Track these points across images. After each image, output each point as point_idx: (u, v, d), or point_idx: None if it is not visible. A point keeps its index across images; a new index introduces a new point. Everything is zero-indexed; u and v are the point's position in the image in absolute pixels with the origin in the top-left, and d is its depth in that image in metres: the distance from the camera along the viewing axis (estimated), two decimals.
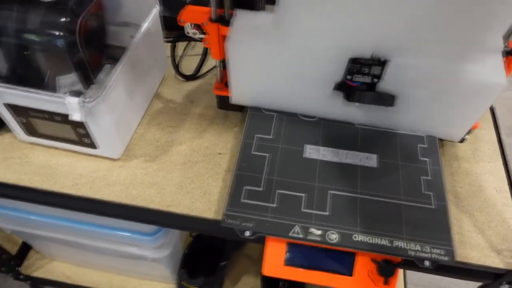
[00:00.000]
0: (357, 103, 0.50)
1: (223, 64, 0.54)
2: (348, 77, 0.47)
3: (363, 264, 0.45)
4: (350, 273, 0.45)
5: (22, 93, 0.45)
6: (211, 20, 0.47)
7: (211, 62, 0.66)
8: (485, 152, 0.55)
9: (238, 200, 0.46)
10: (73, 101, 0.43)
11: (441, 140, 0.53)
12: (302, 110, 0.54)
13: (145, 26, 0.53)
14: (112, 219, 0.53)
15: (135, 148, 0.56)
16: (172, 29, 0.64)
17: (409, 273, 1.00)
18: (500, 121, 0.59)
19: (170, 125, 0.59)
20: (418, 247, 0.42)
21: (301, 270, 0.45)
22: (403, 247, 0.43)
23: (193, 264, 0.84)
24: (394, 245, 0.43)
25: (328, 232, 0.44)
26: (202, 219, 0.49)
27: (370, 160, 0.50)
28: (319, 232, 0.44)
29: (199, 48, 0.71)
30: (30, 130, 0.53)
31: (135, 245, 0.67)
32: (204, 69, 0.66)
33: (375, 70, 0.46)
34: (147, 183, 0.52)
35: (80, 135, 0.50)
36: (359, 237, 0.43)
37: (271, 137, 0.52)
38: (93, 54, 0.49)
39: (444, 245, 0.43)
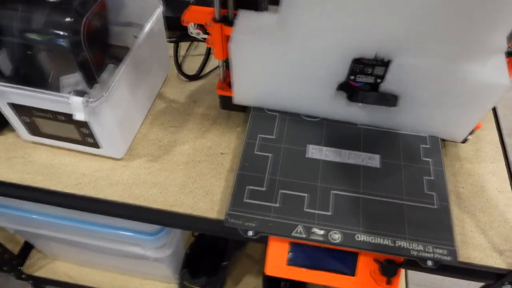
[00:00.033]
0: (360, 104, 0.50)
1: (226, 64, 0.54)
2: (351, 77, 0.47)
3: (365, 264, 0.45)
4: (352, 273, 0.45)
5: (26, 93, 0.46)
6: (214, 20, 0.47)
7: (214, 62, 0.66)
8: (487, 153, 0.55)
9: (241, 200, 0.46)
10: (77, 100, 0.43)
11: (443, 140, 0.53)
12: (305, 110, 0.54)
13: (148, 26, 0.53)
14: (114, 218, 0.53)
15: (138, 148, 0.56)
16: (175, 29, 0.64)
17: (411, 273, 1.00)
18: (502, 122, 0.60)
19: (173, 125, 0.59)
20: (420, 247, 0.42)
21: (303, 270, 0.46)
22: (405, 247, 0.43)
23: (195, 264, 0.84)
24: (396, 245, 0.43)
25: (331, 232, 0.44)
26: (204, 219, 0.49)
27: (373, 160, 0.50)
28: (321, 232, 0.44)
29: (201, 48, 0.71)
30: (33, 130, 0.53)
31: (137, 244, 0.68)
32: (207, 69, 0.66)
33: (379, 70, 0.46)
34: (150, 183, 0.52)
35: (84, 134, 0.51)
36: (361, 237, 0.43)
37: (273, 137, 0.52)
38: (96, 54, 0.50)
39: (447, 245, 0.43)
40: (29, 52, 0.47)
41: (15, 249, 0.94)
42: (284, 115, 0.55)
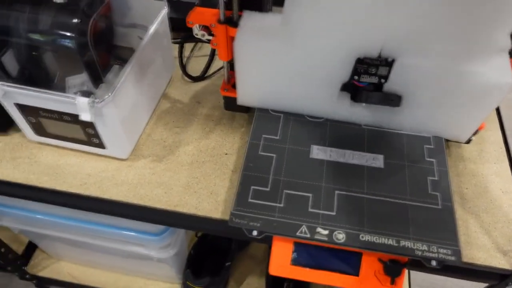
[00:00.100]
0: (363, 104, 0.50)
1: (231, 65, 0.54)
2: (355, 77, 0.47)
3: (369, 264, 0.45)
4: (356, 273, 0.45)
5: (33, 94, 0.46)
6: (219, 21, 0.47)
7: (218, 63, 0.67)
8: (491, 153, 0.56)
9: (245, 200, 0.47)
10: (83, 101, 0.43)
11: (447, 141, 0.53)
12: (308, 111, 0.55)
13: (153, 27, 0.54)
14: (118, 218, 0.53)
15: (142, 148, 0.56)
16: (180, 31, 0.64)
17: (413, 274, 1.00)
18: (506, 123, 0.60)
19: (177, 126, 0.59)
20: (425, 247, 0.43)
21: (307, 269, 0.46)
22: (409, 247, 0.43)
23: (199, 264, 0.84)
24: (400, 245, 0.43)
25: (335, 232, 0.44)
26: (209, 219, 0.49)
27: (377, 160, 0.50)
28: (326, 232, 0.44)
29: (205, 49, 0.71)
30: (39, 130, 0.53)
31: (141, 245, 0.68)
32: (211, 70, 0.66)
33: (382, 70, 0.46)
34: (154, 183, 0.52)
35: (89, 135, 0.51)
36: (366, 237, 0.43)
37: (277, 137, 0.53)
38: (102, 55, 0.50)
39: (451, 245, 0.43)
40: (35, 53, 0.48)
41: (19, 249, 0.94)
42: (288, 115, 0.55)
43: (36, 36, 0.42)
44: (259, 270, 0.91)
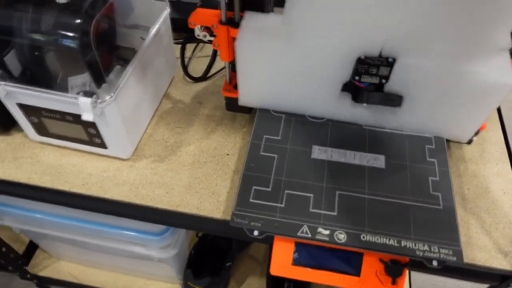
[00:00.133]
0: (364, 104, 0.50)
1: (232, 66, 0.55)
2: (356, 78, 0.47)
3: (370, 264, 0.45)
4: (357, 273, 0.45)
5: (35, 94, 0.46)
6: (221, 22, 0.48)
7: (219, 63, 0.67)
8: (492, 154, 0.56)
9: (246, 200, 0.47)
10: (86, 101, 0.44)
11: (448, 141, 0.54)
12: (310, 112, 0.55)
13: (155, 28, 0.54)
14: (119, 218, 0.53)
15: (144, 148, 0.56)
16: (181, 31, 0.64)
17: (414, 275, 1.00)
18: (507, 123, 0.60)
19: (179, 126, 0.59)
20: (426, 247, 0.43)
21: (308, 270, 0.46)
22: (411, 247, 0.43)
23: (199, 265, 0.84)
24: (402, 245, 0.43)
25: (336, 232, 0.44)
26: (210, 219, 0.49)
27: (378, 161, 0.50)
28: (327, 232, 0.44)
29: (207, 49, 0.71)
30: (41, 130, 0.53)
31: (142, 244, 0.68)
32: (212, 70, 0.67)
33: (383, 70, 0.46)
34: (156, 183, 0.52)
35: (91, 135, 0.51)
36: (367, 237, 0.43)
37: (279, 138, 0.53)
38: (104, 55, 0.50)
39: (452, 246, 0.43)
40: (38, 53, 0.48)
41: (20, 249, 0.94)
42: (290, 116, 0.55)
43: (38, 36, 0.42)
44: (260, 270, 0.91)
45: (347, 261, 0.45)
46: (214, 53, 0.65)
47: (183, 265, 0.84)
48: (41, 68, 0.50)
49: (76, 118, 0.48)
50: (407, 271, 0.47)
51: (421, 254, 0.42)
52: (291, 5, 0.43)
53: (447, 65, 0.44)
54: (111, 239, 0.68)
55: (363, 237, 0.44)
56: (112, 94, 0.46)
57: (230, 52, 0.50)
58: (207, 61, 0.65)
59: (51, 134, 0.54)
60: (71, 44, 0.41)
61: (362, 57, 0.45)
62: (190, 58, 0.70)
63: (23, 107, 0.50)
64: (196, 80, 0.66)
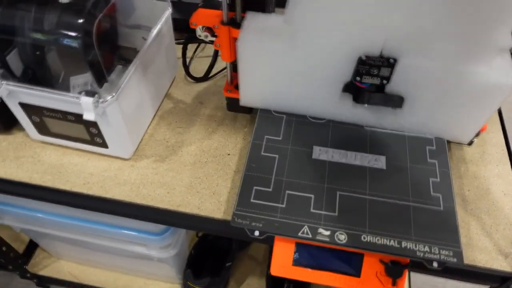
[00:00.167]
0: (365, 105, 0.51)
1: (233, 66, 0.55)
2: (357, 78, 0.47)
3: (371, 265, 0.45)
4: (358, 274, 0.45)
5: (37, 93, 0.46)
6: (222, 23, 0.48)
7: (220, 64, 0.67)
8: (493, 155, 0.56)
9: (247, 200, 0.47)
10: (88, 101, 0.44)
11: (449, 142, 0.54)
12: (311, 112, 0.55)
13: (157, 28, 0.54)
14: (120, 218, 0.53)
15: (145, 148, 0.56)
16: (183, 31, 0.64)
17: (413, 277, 1.00)
18: (508, 125, 0.60)
19: (180, 126, 0.59)
20: (426, 249, 0.43)
21: (309, 270, 0.46)
22: (411, 248, 0.43)
23: (199, 265, 0.84)
24: (402, 246, 0.43)
25: (337, 233, 0.44)
26: (211, 219, 0.49)
27: (379, 161, 0.50)
28: (327, 233, 0.44)
29: (208, 50, 0.71)
30: (43, 129, 0.53)
31: (142, 244, 0.68)
32: (213, 71, 0.67)
33: (384, 71, 0.46)
34: (157, 183, 0.53)
35: (92, 134, 0.51)
36: (367, 238, 0.44)
37: (280, 138, 0.53)
38: (106, 55, 0.50)
39: (452, 247, 0.43)
40: (40, 53, 0.48)
41: (20, 248, 0.95)
42: (291, 116, 0.55)
43: (41, 36, 0.42)
44: (260, 270, 0.92)
45: (348, 261, 0.45)
46: (216, 54, 0.65)
47: (183, 265, 0.84)
48: (43, 67, 0.50)
49: (77, 118, 0.49)
50: (407, 272, 0.47)
51: (422, 255, 0.42)
52: (293, 5, 0.43)
53: (448, 65, 0.44)
54: (112, 239, 0.68)
55: (364, 237, 0.44)
56: (113, 94, 0.46)
57: (232, 52, 0.51)
58: (208, 61, 0.65)
59: (52, 134, 0.54)
60: (74, 43, 0.41)
61: (363, 57, 0.45)
62: (191, 58, 0.70)
63: (25, 107, 0.50)
64: (198, 80, 0.66)
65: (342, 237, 0.44)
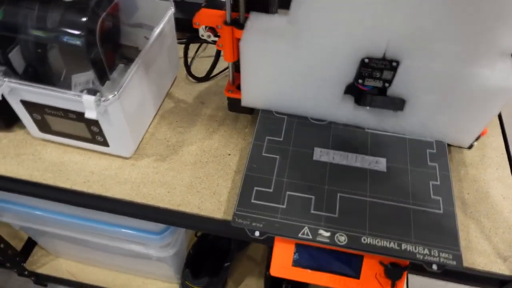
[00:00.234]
0: (367, 107, 0.51)
1: (236, 66, 0.55)
2: (360, 81, 0.48)
3: (370, 267, 0.45)
4: (357, 276, 0.45)
5: (39, 91, 0.46)
6: (225, 23, 0.48)
7: (222, 64, 0.67)
8: (493, 159, 0.56)
9: (248, 200, 0.47)
10: (90, 99, 0.44)
11: (449, 146, 0.54)
12: (312, 113, 0.55)
13: (160, 27, 0.54)
14: (119, 217, 0.53)
15: (146, 147, 0.56)
16: (185, 31, 0.65)
17: (411, 278, 1.00)
18: (508, 130, 0.60)
19: (181, 125, 0.59)
20: (426, 251, 0.43)
21: (308, 271, 0.46)
22: (411, 250, 0.43)
23: (197, 264, 0.84)
24: (402, 248, 0.43)
25: (337, 234, 0.44)
26: (211, 219, 0.49)
27: (379, 164, 0.50)
28: (328, 234, 0.44)
29: (210, 50, 0.71)
30: (44, 127, 0.53)
31: (141, 243, 0.68)
32: (215, 71, 0.67)
33: (387, 74, 0.46)
34: (157, 182, 0.53)
35: (94, 133, 0.51)
36: (367, 240, 0.44)
37: (281, 139, 0.53)
38: (108, 53, 0.50)
39: (452, 250, 0.43)
40: (42, 51, 0.48)
41: (18, 245, 0.94)
42: (292, 118, 0.55)
43: (44, 34, 0.43)
44: (258, 271, 0.92)
45: (347, 263, 0.46)
46: (218, 54, 0.65)
47: (181, 265, 0.84)
48: (45, 65, 0.50)
49: (79, 116, 0.49)
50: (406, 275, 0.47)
51: (421, 257, 0.43)
52: (297, 6, 0.43)
53: (451, 68, 0.44)
54: (110, 237, 0.68)
55: (364, 239, 0.44)
56: (115, 93, 0.46)
57: (234, 52, 0.51)
58: (210, 61, 0.66)
59: (53, 132, 0.54)
60: (77, 41, 0.41)
61: (366, 60, 0.45)
62: (193, 58, 0.70)
63: (26, 104, 0.50)
64: (199, 80, 0.66)
65: (342, 239, 0.44)
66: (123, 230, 0.65)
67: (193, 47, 0.71)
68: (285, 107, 0.55)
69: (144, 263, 0.81)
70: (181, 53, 0.66)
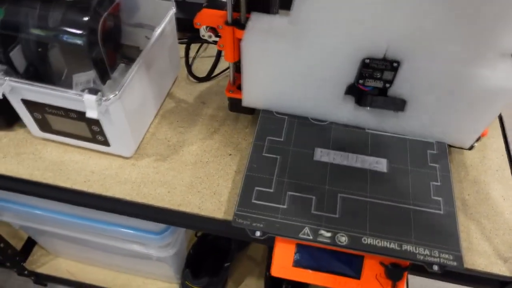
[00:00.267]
0: (368, 108, 0.51)
1: (236, 67, 0.55)
2: (360, 81, 0.48)
3: (371, 267, 0.45)
4: (358, 276, 0.45)
5: (40, 90, 0.46)
6: (226, 23, 0.48)
7: (223, 64, 0.67)
8: (493, 161, 0.56)
9: (248, 200, 0.47)
10: (91, 98, 0.44)
11: (449, 147, 0.54)
12: (313, 114, 0.55)
13: (161, 27, 0.54)
14: (119, 216, 0.53)
15: (146, 147, 0.56)
16: (186, 31, 0.65)
17: (411, 279, 1.00)
18: (508, 131, 0.60)
19: (182, 125, 0.59)
20: (426, 252, 0.43)
21: (309, 271, 0.46)
22: (411, 251, 0.43)
23: (197, 264, 0.84)
24: (402, 249, 0.43)
25: (338, 235, 0.44)
26: (212, 219, 0.49)
27: (380, 164, 0.50)
28: (328, 234, 0.44)
29: (211, 50, 0.71)
30: (44, 126, 0.53)
31: (141, 243, 0.68)
32: (216, 71, 0.67)
33: (387, 75, 0.46)
34: (158, 182, 0.53)
35: (94, 132, 0.51)
36: (368, 240, 0.44)
37: (282, 139, 0.53)
38: (109, 53, 0.50)
39: (453, 251, 0.43)
40: (44, 50, 0.48)
41: (18, 245, 0.94)
42: (293, 118, 0.55)
43: (46, 33, 0.43)
44: (258, 271, 0.92)
45: (348, 263, 0.45)
46: (219, 54, 0.65)
47: (181, 265, 0.84)
48: (46, 65, 0.50)
49: (79, 115, 0.49)
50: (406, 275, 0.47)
51: (422, 258, 0.43)
52: (298, 6, 0.43)
53: (452, 69, 0.44)
54: (111, 237, 0.68)
55: (364, 240, 0.44)
56: (117, 92, 0.46)
57: (235, 53, 0.51)
58: (211, 61, 0.66)
59: (54, 131, 0.54)
60: (79, 41, 0.41)
61: (367, 60, 0.45)
62: (194, 58, 0.70)
63: (27, 103, 0.50)
64: (200, 80, 0.66)
65: (343, 239, 0.44)
66: (123, 230, 0.65)
67: (194, 47, 0.71)
68: (286, 107, 0.55)
69: (144, 263, 0.80)
70: (182, 53, 0.66)
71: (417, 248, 0.43)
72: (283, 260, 0.46)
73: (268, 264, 0.89)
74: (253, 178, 0.49)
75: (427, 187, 0.48)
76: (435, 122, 0.50)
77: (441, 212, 0.46)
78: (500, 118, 0.62)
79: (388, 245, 0.43)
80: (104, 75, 0.46)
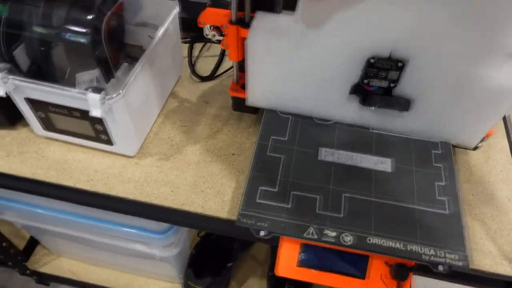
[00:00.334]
0: (373, 107, 0.50)
1: (240, 66, 0.55)
2: (365, 81, 0.47)
3: (376, 267, 0.45)
4: (363, 276, 0.45)
5: (44, 88, 0.46)
6: (231, 22, 0.48)
7: (227, 63, 0.67)
8: (498, 161, 0.56)
9: (253, 200, 0.47)
10: (95, 97, 0.44)
11: (453, 147, 0.54)
12: (317, 113, 0.55)
13: (164, 27, 0.54)
14: (122, 216, 0.53)
15: (150, 146, 0.56)
16: (189, 30, 0.64)
17: (416, 281, 0.99)
18: None
19: (185, 125, 0.59)
20: (432, 252, 0.43)
21: (314, 271, 0.46)
22: (417, 251, 0.43)
23: (200, 264, 0.84)
24: (408, 249, 0.43)
25: (343, 234, 0.44)
26: (215, 218, 0.49)
27: (385, 164, 0.50)
28: (333, 234, 0.44)
29: (214, 49, 0.71)
30: (48, 125, 0.53)
31: (144, 243, 0.68)
32: (220, 70, 0.67)
33: (393, 75, 0.46)
34: (161, 181, 0.52)
35: (98, 131, 0.51)
36: (373, 240, 0.43)
37: (286, 139, 0.53)
38: (113, 52, 0.50)
39: (458, 251, 0.43)
40: (47, 49, 0.48)
41: (20, 244, 0.94)
42: (297, 117, 0.55)
43: (49, 31, 0.42)
44: (261, 271, 0.91)
45: (353, 263, 0.45)
46: (222, 53, 0.65)
47: (184, 265, 0.83)
48: (50, 63, 0.50)
49: (83, 114, 0.48)
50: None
51: (427, 258, 0.42)
52: (303, 5, 0.43)
53: (457, 69, 0.44)
54: (113, 237, 0.68)
55: (369, 240, 0.44)
56: (120, 91, 0.45)
57: (239, 52, 0.50)
58: (214, 60, 0.65)
59: (57, 130, 0.54)
60: (83, 39, 0.41)
61: (372, 60, 0.45)
62: (197, 57, 0.70)
63: (31, 102, 0.50)
64: (203, 79, 0.66)
65: (348, 239, 0.44)
66: (126, 229, 0.65)
67: (197, 46, 0.71)
68: (290, 106, 0.55)
69: (146, 263, 0.80)
70: (186, 53, 0.66)
71: (423, 248, 0.43)
72: (288, 260, 0.46)
73: (271, 264, 0.89)
74: (258, 177, 0.49)
75: (432, 187, 0.48)
76: (440, 122, 0.50)
77: (446, 212, 0.46)
78: (504, 119, 0.61)
79: (393, 245, 0.43)
80: (108, 74, 0.45)
